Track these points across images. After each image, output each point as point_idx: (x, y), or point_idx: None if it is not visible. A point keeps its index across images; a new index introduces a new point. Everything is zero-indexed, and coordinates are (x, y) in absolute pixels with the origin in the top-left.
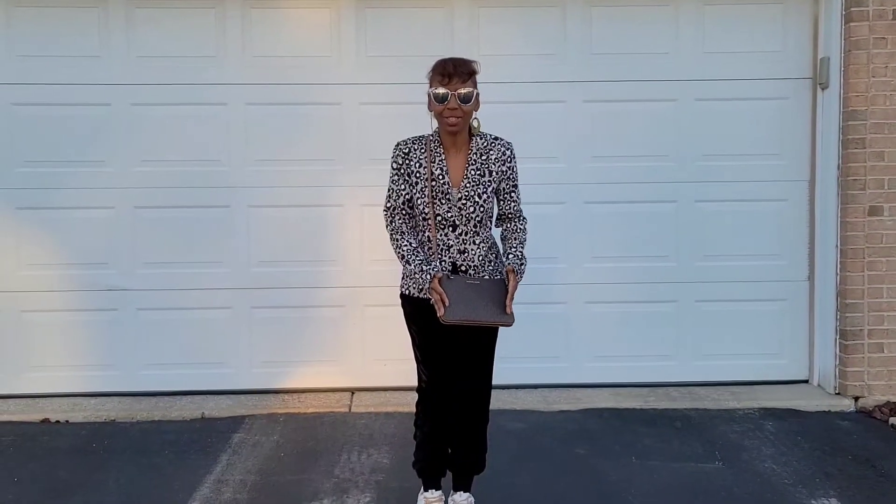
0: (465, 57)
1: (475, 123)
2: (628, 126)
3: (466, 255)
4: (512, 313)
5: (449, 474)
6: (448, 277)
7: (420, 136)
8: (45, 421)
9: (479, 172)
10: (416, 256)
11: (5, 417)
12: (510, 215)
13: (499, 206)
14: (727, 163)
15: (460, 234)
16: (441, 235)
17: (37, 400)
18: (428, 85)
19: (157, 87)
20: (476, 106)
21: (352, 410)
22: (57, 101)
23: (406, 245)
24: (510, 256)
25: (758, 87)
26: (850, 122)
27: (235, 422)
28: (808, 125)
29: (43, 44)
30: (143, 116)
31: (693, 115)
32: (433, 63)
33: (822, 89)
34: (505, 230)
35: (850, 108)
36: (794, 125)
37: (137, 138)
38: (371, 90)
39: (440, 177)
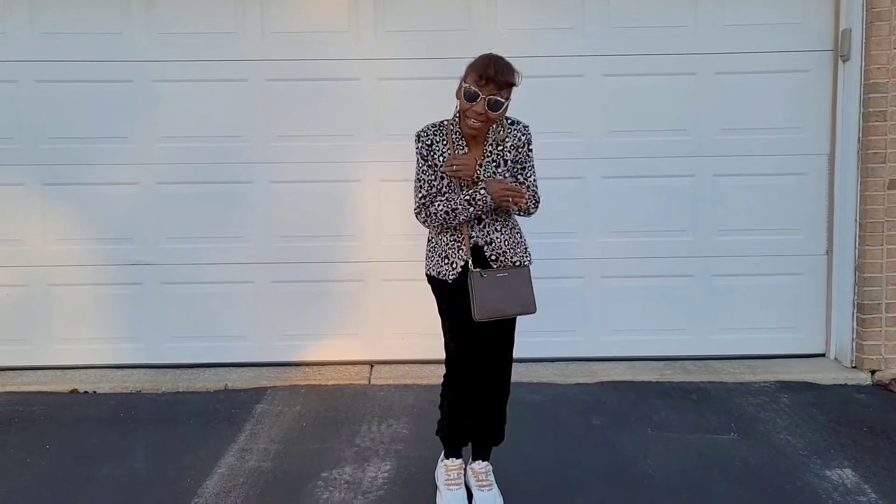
0: (508, 62)
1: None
2: (647, 100)
3: (493, 244)
4: (535, 303)
5: (469, 444)
6: (481, 275)
7: (440, 124)
8: (74, 391)
9: (494, 164)
10: (457, 196)
11: (36, 388)
12: None
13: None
14: (746, 137)
15: (484, 227)
16: (467, 227)
17: (65, 371)
18: (463, 75)
19: (178, 64)
20: (503, 115)
21: (371, 383)
22: (80, 77)
23: (441, 202)
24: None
25: (778, 59)
26: (871, 95)
27: (258, 393)
28: (828, 98)
29: (65, 21)
30: (164, 93)
31: (712, 88)
32: (478, 56)
33: (844, 61)
34: None
35: (872, 81)
36: (815, 98)
37: (159, 114)
38: (389, 65)
39: None
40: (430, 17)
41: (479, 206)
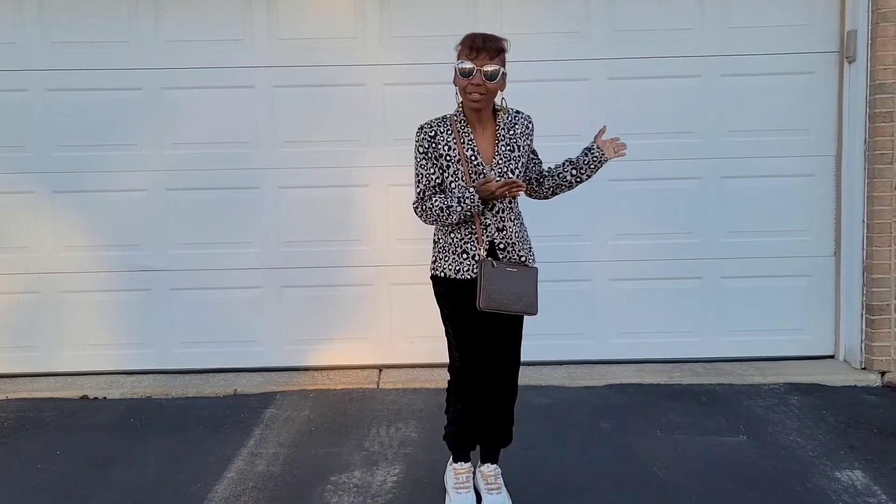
0: (494, 34)
1: (503, 103)
2: (653, 103)
3: (505, 232)
4: (537, 305)
5: (477, 446)
6: (492, 265)
7: (443, 118)
8: (84, 397)
9: (508, 147)
10: (453, 193)
11: (47, 394)
12: (545, 172)
13: (532, 172)
14: (753, 139)
15: (497, 212)
16: (479, 220)
17: (76, 377)
18: (455, 58)
19: (185, 71)
20: (502, 85)
21: (380, 387)
22: (89, 86)
23: (438, 199)
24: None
25: (784, 61)
26: (877, 96)
27: (267, 398)
28: (834, 99)
29: (75, 30)
30: (172, 100)
31: (718, 90)
32: (463, 36)
33: (849, 63)
34: (549, 172)
35: (878, 82)
36: (821, 99)
37: (168, 121)
38: (395, 71)
39: (472, 157)
40: (435, 22)
41: (468, 204)
